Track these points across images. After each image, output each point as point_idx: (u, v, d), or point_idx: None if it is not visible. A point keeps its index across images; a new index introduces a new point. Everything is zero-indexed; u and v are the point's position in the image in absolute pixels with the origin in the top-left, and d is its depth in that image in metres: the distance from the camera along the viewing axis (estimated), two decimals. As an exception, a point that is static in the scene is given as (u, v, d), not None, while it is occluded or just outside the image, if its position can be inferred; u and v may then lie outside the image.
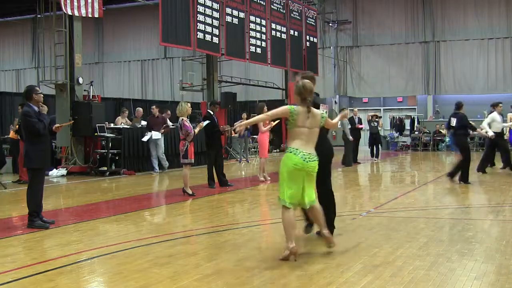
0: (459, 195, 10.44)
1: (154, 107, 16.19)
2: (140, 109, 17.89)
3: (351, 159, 17.12)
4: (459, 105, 11.64)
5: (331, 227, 6.09)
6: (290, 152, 5.40)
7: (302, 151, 5.38)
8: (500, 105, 13.90)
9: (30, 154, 7.21)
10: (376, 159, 19.18)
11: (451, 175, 11.50)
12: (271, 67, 23.55)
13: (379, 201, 9.47)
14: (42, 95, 7.44)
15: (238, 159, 19.86)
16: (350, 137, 16.77)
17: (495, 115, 13.61)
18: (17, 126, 13.09)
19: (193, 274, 4.92)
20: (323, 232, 5.69)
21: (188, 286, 4.61)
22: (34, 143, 7.18)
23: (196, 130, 10.50)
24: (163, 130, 15.34)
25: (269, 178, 12.73)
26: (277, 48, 22.63)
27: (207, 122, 11.12)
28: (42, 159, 7.25)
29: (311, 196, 5.49)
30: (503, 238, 6.31)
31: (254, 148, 21.62)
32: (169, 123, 16.17)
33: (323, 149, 5.88)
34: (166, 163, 15.63)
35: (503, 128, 14.51)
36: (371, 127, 19.37)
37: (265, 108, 12.71)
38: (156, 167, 15.40)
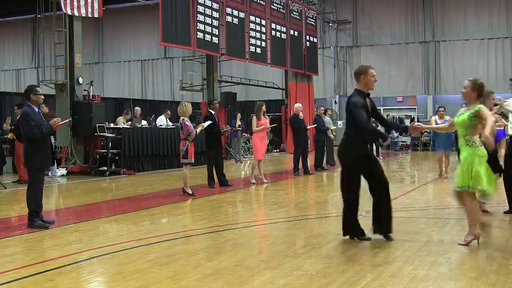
0: (459, 195, 10.41)
1: (43, 105, 13.50)
2: (138, 109, 17.88)
3: (333, 158, 17.00)
4: None
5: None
6: (482, 146, 5.80)
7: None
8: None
9: (29, 154, 7.21)
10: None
11: None
12: (271, 67, 23.55)
13: (379, 201, 9.44)
14: (42, 96, 7.39)
15: (237, 159, 19.86)
16: (332, 136, 16.53)
17: None
18: (13, 126, 13.04)
19: (193, 274, 4.92)
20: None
21: (188, 286, 4.60)
22: (34, 143, 7.17)
23: (198, 130, 10.48)
24: None
25: (266, 180, 12.61)
26: (277, 48, 22.62)
27: (209, 122, 11.08)
28: (42, 159, 7.25)
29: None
30: (503, 238, 6.31)
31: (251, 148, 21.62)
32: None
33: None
34: None
35: None
36: None
37: (264, 107, 12.68)
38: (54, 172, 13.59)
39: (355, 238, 6.20)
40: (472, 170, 5.71)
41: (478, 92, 5.84)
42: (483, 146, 5.80)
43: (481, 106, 5.83)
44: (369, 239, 6.15)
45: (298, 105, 14.57)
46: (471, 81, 5.91)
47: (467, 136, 5.83)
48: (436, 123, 12.28)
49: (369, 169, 6.17)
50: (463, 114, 5.91)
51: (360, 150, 6.12)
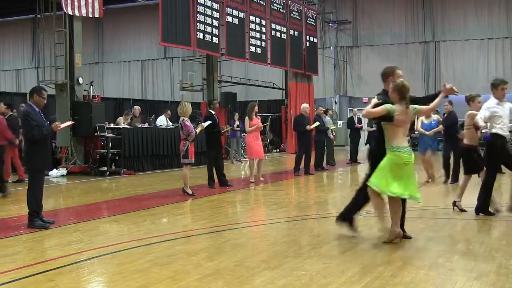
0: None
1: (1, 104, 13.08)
2: (137, 108, 17.87)
3: (333, 158, 17.00)
4: None
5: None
6: (396, 150, 5.82)
7: (404, 147, 5.87)
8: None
9: (29, 155, 7.21)
10: None
11: None
12: (271, 67, 23.55)
13: (379, 201, 9.45)
14: (44, 99, 7.36)
15: (236, 159, 19.86)
16: (331, 136, 16.56)
17: None
18: None
19: (193, 274, 4.92)
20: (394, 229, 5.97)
21: (188, 286, 4.61)
22: (34, 144, 7.17)
23: (198, 130, 10.49)
24: None
25: (262, 179, 12.63)
26: (277, 48, 22.63)
27: (208, 122, 11.08)
28: (41, 159, 7.25)
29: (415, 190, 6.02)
30: (503, 238, 6.31)
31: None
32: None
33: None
34: None
35: None
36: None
37: (256, 107, 12.74)
38: None
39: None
40: (389, 175, 5.81)
41: (399, 94, 5.89)
42: (406, 152, 5.85)
43: (391, 106, 5.85)
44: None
45: (305, 105, 14.65)
46: (393, 84, 6.01)
47: (386, 139, 5.91)
48: (423, 123, 12.28)
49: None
50: None
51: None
